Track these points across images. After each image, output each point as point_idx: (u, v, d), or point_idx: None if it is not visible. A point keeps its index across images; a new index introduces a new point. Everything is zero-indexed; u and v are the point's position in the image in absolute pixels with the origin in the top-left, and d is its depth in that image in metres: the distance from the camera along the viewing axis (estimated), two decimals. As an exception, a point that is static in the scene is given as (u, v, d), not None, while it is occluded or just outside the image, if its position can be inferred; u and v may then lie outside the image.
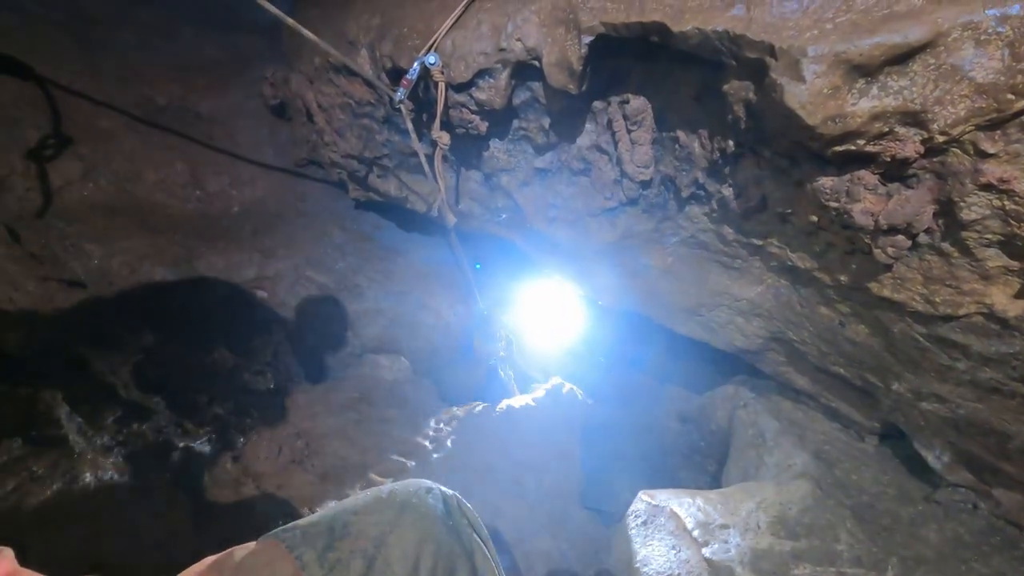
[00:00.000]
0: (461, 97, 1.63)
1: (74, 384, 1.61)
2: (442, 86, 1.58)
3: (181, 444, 1.62)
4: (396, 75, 1.70)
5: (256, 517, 1.53)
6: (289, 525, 0.90)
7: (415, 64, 1.56)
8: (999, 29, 0.89)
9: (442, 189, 1.82)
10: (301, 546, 0.82)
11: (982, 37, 0.90)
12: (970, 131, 0.96)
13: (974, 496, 1.54)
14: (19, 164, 2.10)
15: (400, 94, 1.62)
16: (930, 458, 1.59)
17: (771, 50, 1.03)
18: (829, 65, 0.98)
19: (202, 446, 1.65)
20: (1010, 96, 0.90)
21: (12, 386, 1.51)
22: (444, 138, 1.68)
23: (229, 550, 0.85)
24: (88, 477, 1.40)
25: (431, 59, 1.54)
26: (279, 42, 2.55)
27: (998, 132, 0.94)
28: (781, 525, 1.52)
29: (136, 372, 1.73)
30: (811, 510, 1.56)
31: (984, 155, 0.96)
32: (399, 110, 1.70)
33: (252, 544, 0.86)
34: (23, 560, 0.75)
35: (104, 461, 1.44)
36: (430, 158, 1.84)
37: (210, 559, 0.84)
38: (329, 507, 0.98)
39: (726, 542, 1.45)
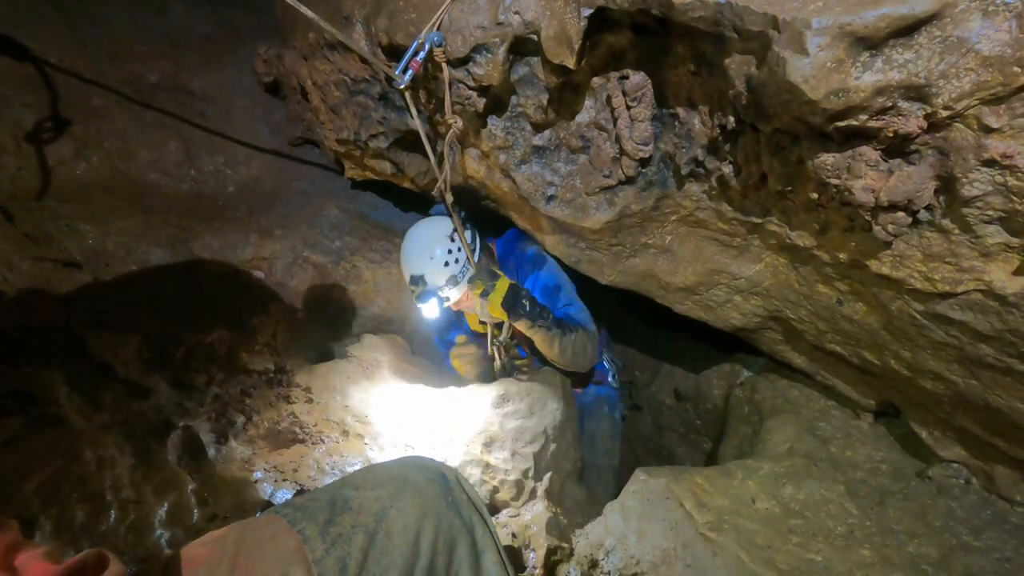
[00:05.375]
0: (458, 73, 1.59)
1: (73, 364, 1.61)
2: (446, 68, 1.52)
3: (181, 423, 1.63)
4: (392, 51, 1.66)
5: (257, 495, 1.55)
6: (290, 501, 0.90)
7: (425, 43, 1.48)
8: (1007, 0, 0.88)
9: (447, 169, 1.79)
10: (303, 521, 0.83)
11: (990, 8, 0.88)
12: (975, 105, 0.94)
13: (967, 472, 1.57)
14: (10, 143, 2.07)
15: (407, 77, 1.53)
16: (924, 434, 1.61)
17: (774, 22, 1.01)
18: (833, 38, 0.96)
19: (202, 425, 1.66)
20: (1016, 69, 0.89)
21: (11, 366, 1.51)
22: (458, 122, 1.64)
23: (231, 526, 0.86)
24: (89, 455, 1.40)
25: (435, 38, 1.48)
26: (272, 17, 2.50)
27: (1003, 106, 0.93)
28: (776, 501, 1.54)
29: (134, 352, 1.73)
30: (805, 486, 1.58)
31: (988, 130, 0.95)
32: (402, 92, 1.62)
33: (253, 520, 0.87)
34: (28, 536, 0.76)
35: (105, 439, 1.45)
36: (430, 138, 1.80)
37: (212, 535, 0.86)
38: (330, 484, 0.99)
39: (721, 518, 1.47)
